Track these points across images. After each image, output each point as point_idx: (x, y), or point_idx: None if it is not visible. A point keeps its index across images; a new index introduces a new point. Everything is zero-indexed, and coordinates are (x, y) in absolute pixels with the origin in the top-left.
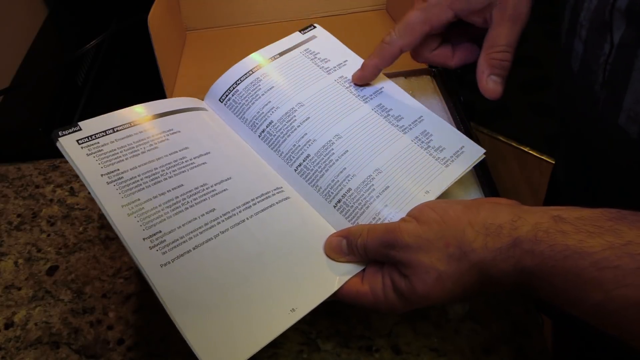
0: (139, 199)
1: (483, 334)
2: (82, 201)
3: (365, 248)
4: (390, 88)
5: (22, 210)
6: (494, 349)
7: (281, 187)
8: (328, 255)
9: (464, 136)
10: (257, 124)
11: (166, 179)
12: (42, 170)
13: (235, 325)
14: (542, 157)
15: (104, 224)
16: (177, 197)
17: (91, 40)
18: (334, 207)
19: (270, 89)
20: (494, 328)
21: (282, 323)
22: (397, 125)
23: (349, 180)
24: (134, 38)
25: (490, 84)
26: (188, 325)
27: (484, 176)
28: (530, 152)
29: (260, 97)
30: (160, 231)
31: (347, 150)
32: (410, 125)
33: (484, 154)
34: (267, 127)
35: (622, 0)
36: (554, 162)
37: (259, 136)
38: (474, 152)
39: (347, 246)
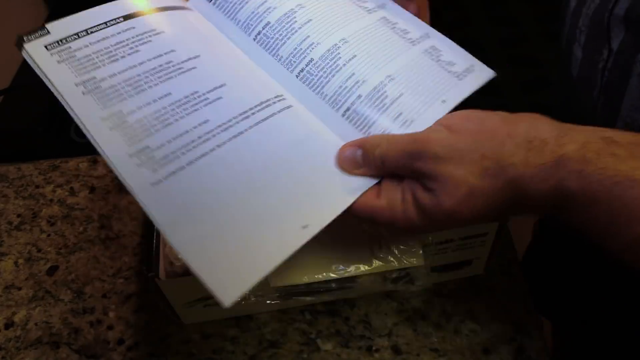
0: (121, 111)
1: (483, 334)
2: (82, 201)
3: (384, 159)
4: (393, 6)
5: (22, 210)
6: (494, 349)
7: (282, 95)
8: (341, 167)
9: (473, 57)
10: (251, 25)
11: (151, 86)
12: (42, 170)
13: (242, 246)
14: None
15: (104, 224)
16: (164, 108)
17: None
18: (342, 115)
19: None
20: (494, 328)
21: (294, 241)
22: (405, 38)
23: (358, 87)
24: None
25: None
26: (186, 247)
27: None
28: None
29: None
30: (148, 146)
31: (355, 55)
32: (418, 39)
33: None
34: (263, 28)
35: (621, 6)
36: None
37: (254, 39)
38: (484, 72)
39: (362, 157)
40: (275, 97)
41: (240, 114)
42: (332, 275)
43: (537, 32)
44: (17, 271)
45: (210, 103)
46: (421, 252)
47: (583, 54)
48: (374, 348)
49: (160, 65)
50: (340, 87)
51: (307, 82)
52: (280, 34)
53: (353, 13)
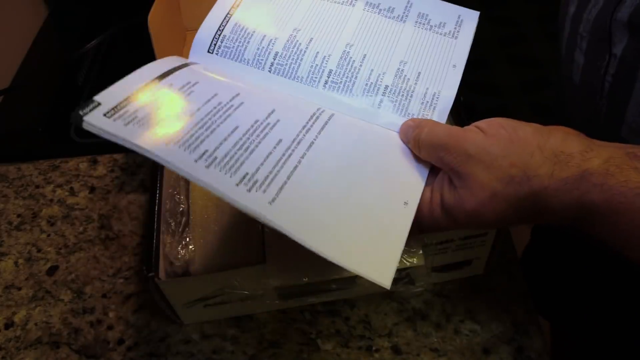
0: (207, 150)
1: (483, 334)
2: (82, 201)
3: (421, 143)
4: None
5: (22, 210)
6: (494, 349)
7: (321, 107)
8: (400, 134)
9: (455, 5)
10: (261, 60)
11: (219, 125)
12: (42, 170)
13: (370, 231)
14: None
15: (104, 224)
16: (240, 139)
17: (91, 40)
18: (378, 108)
19: (258, 25)
20: (494, 328)
21: (404, 218)
22: (393, 17)
23: (382, 79)
24: (134, 38)
25: None
26: (326, 246)
27: None
28: None
29: (252, 35)
30: (247, 173)
31: (366, 54)
32: (404, 12)
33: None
34: (274, 59)
35: (624, 11)
36: None
37: (269, 71)
38: (472, 17)
39: (411, 133)
40: (317, 109)
41: (302, 129)
42: (332, 275)
43: (537, 32)
44: (17, 271)
45: (274, 126)
46: (421, 252)
47: (585, 59)
48: (374, 348)
49: (215, 107)
50: (367, 84)
51: (336, 90)
52: (292, 59)
53: (340, 13)
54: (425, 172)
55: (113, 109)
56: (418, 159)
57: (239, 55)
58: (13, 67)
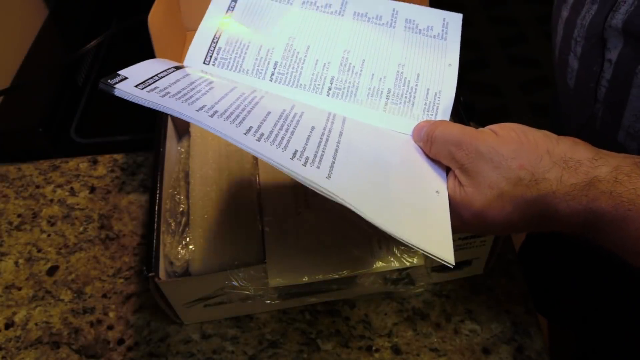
0: (252, 126)
1: (483, 334)
2: (82, 201)
3: (433, 138)
4: None
5: (23, 210)
6: (494, 349)
7: (331, 112)
8: (412, 134)
9: (438, 10)
10: (261, 69)
11: (253, 107)
12: (42, 170)
13: (416, 214)
14: None
15: (104, 224)
16: (277, 121)
17: (91, 40)
18: (384, 111)
19: (253, 35)
20: (494, 328)
21: (442, 204)
22: (383, 24)
23: (383, 83)
24: (134, 38)
25: None
26: (391, 223)
27: None
28: None
29: (249, 46)
30: (297, 150)
31: (364, 59)
32: (392, 19)
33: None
34: (274, 68)
35: (618, 18)
36: None
37: (270, 80)
38: (456, 19)
39: (424, 132)
40: (330, 112)
41: (327, 121)
42: (332, 275)
43: (537, 32)
44: (17, 271)
45: (301, 115)
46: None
47: (579, 64)
48: (374, 348)
49: (241, 95)
50: (369, 89)
51: (340, 97)
52: (293, 67)
53: (331, 22)
54: (443, 170)
55: (142, 83)
56: (431, 159)
57: (237, 65)
58: (13, 67)
